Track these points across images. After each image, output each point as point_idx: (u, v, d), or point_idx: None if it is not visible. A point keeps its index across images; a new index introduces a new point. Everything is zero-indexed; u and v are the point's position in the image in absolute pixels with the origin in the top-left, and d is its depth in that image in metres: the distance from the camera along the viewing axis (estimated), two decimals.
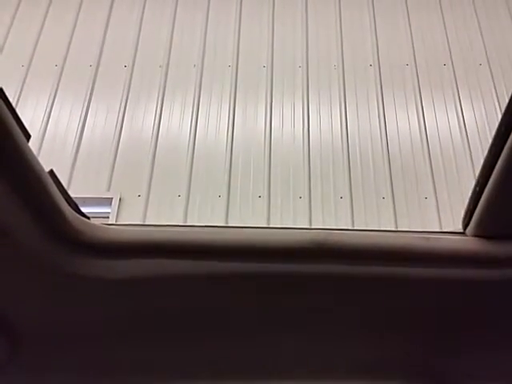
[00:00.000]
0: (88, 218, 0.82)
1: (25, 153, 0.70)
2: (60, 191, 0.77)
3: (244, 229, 0.82)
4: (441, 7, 5.18)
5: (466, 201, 0.89)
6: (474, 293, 0.82)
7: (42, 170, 0.74)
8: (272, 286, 0.81)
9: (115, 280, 0.80)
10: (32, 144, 0.75)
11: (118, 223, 0.84)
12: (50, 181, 0.75)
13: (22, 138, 0.71)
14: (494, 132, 0.78)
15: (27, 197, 0.71)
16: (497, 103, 4.63)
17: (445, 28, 5.05)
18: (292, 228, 0.82)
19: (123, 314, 0.83)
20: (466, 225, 0.83)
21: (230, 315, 0.83)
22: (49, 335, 0.86)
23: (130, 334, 0.85)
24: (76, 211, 0.81)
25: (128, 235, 0.80)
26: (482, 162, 0.88)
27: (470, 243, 0.80)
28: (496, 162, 0.76)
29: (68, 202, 0.79)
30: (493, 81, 4.74)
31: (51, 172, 0.78)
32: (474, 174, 4.14)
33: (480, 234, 0.80)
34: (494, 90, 4.70)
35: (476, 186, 0.80)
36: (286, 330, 0.86)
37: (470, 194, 0.82)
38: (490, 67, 4.83)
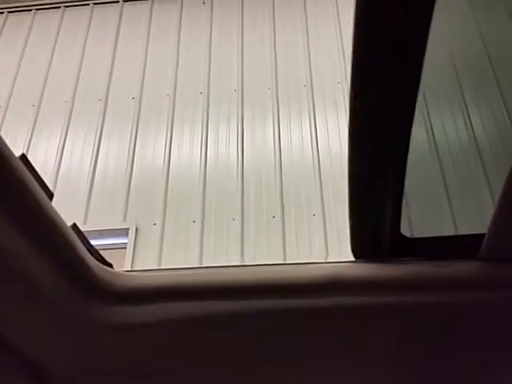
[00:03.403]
0: (111, 266, 0.86)
1: (48, 211, 0.74)
2: (83, 243, 0.81)
3: (261, 267, 0.85)
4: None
5: None
6: (484, 317, 0.84)
7: (65, 225, 0.77)
8: (292, 322, 0.83)
9: (140, 325, 0.83)
10: (47, 180, 0.78)
11: (138, 269, 0.87)
12: (73, 235, 0.78)
13: (45, 197, 0.75)
14: None
15: (52, 253, 0.75)
16: None
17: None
18: (306, 263, 0.85)
19: (148, 357, 0.86)
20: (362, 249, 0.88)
21: (254, 352, 0.86)
22: (79, 380, 0.89)
23: (157, 376, 0.88)
24: (99, 260, 0.85)
25: (151, 281, 0.83)
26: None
27: (482, 268, 0.82)
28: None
29: (91, 253, 0.83)
30: None
31: (74, 226, 0.81)
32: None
33: (491, 258, 0.82)
34: None
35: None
36: (307, 364, 0.88)
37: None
38: None
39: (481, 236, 0.82)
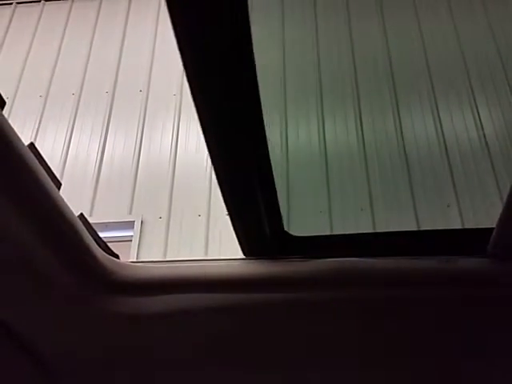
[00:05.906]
0: (117, 256, 0.86)
1: (56, 200, 0.74)
2: (90, 233, 0.81)
3: (263, 260, 0.85)
4: None
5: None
6: (495, 312, 0.83)
7: (73, 215, 0.77)
8: (300, 314, 0.83)
9: (145, 315, 0.83)
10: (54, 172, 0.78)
11: (144, 260, 0.87)
12: (80, 225, 0.78)
13: (53, 186, 0.75)
14: None
15: (60, 242, 0.75)
16: None
17: None
18: (317, 258, 0.85)
19: (152, 346, 0.86)
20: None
21: (257, 346, 0.86)
22: (80, 369, 0.89)
23: (159, 372, 0.88)
24: (106, 251, 0.85)
25: (156, 272, 0.83)
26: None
27: (492, 265, 0.82)
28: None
29: (98, 243, 0.83)
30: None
31: (81, 216, 0.81)
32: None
33: (503, 256, 0.82)
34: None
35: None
36: (314, 358, 0.88)
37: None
38: None
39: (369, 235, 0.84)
